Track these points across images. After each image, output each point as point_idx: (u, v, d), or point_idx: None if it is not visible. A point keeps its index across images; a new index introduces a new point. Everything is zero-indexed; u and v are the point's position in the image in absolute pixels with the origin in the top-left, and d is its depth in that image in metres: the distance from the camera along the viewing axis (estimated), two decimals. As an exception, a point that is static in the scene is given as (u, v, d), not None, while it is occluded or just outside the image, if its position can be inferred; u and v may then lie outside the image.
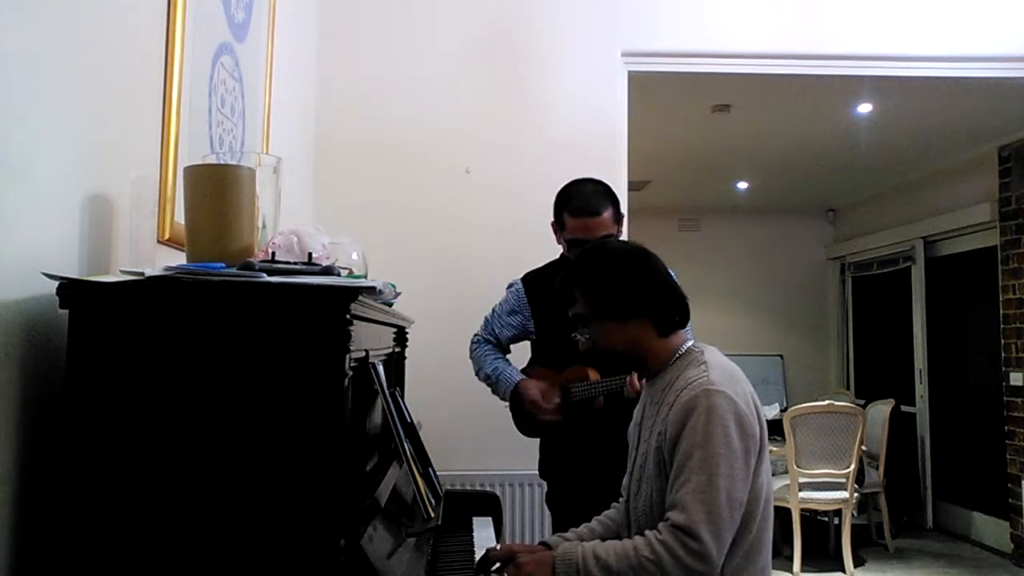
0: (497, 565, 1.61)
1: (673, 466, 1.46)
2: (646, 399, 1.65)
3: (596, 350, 1.68)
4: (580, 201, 2.26)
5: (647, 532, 1.44)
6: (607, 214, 2.23)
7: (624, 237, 2.41)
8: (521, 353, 2.52)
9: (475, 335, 2.51)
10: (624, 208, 2.66)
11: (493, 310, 2.49)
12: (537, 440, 2.45)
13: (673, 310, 1.62)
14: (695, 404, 1.46)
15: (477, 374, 2.46)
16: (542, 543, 1.70)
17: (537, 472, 2.46)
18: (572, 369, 2.28)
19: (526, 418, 2.36)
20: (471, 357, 2.49)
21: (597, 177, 2.37)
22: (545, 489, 2.50)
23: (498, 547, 1.67)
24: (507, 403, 2.41)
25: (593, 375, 2.24)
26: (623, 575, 1.40)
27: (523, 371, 2.40)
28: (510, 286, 2.49)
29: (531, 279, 2.44)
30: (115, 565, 1.10)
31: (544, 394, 2.28)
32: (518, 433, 2.44)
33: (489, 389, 2.44)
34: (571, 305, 1.65)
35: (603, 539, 1.68)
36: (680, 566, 1.38)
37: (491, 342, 2.46)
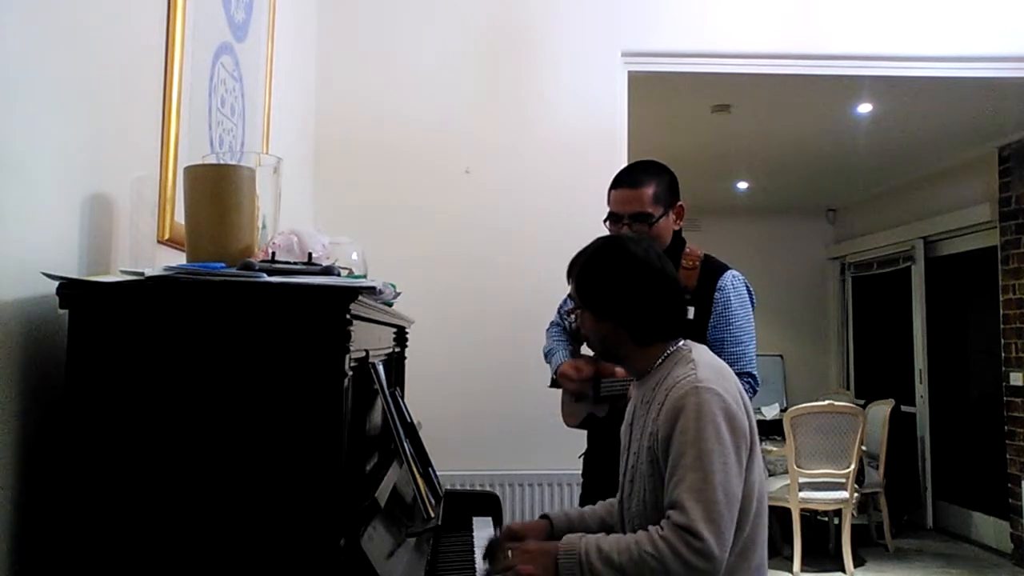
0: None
1: (668, 466, 1.46)
2: (637, 399, 1.65)
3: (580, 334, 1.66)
4: (621, 173, 2.19)
5: (650, 527, 1.44)
6: (647, 190, 2.12)
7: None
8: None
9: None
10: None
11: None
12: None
13: (655, 327, 1.60)
14: (684, 402, 1.46)
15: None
16: (543, 516, 1.72)
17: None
18: (605, 363, 2.19)
19: (564, 399, 2.28)
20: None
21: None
22: (580, 490, 2.41)
23: (497, 532, 1.67)
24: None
25: (620, 372, 2.14)
26: (624, 568, 1.40)
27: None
28: None
29: None
30: (115, 564, 1.10)
31: (576, 369, 2.20)
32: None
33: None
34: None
35: (605, 521, 1.71)
36: (682, 563, 1.37)
37: (560, 325, 2.42)
